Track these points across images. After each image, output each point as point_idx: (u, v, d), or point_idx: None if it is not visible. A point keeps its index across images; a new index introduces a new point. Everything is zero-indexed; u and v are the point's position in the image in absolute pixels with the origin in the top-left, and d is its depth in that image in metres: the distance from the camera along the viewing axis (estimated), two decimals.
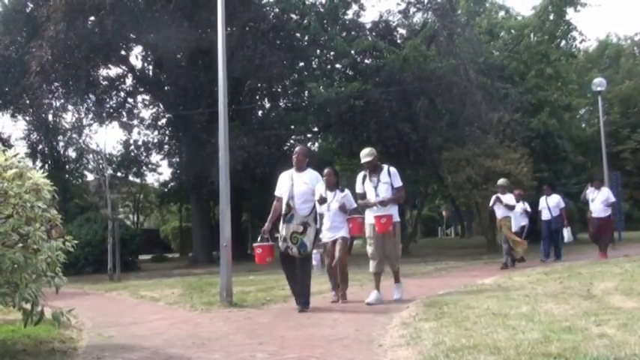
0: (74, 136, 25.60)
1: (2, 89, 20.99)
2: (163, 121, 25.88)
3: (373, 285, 7.34)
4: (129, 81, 24.58)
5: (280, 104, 23.75)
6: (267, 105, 24.42)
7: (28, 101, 21.52)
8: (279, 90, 23.53)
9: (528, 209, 14.13)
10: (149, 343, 5.16)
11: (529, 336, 4.27)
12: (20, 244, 4.45)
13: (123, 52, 22.87)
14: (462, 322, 5.10)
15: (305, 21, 20.71)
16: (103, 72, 23.58)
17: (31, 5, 20.50)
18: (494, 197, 12.53)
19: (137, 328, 6.23)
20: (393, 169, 7.37)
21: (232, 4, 17.41)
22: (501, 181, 12.84)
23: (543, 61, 24.02)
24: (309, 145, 26.80)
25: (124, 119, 25.01)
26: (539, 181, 20.22)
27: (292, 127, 22.15)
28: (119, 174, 28.46)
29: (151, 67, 24.11)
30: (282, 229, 6.82)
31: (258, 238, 7.17)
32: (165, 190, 31.21)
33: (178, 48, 20.35)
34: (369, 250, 7.33)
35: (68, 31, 18.00)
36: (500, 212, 12.35)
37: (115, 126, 25.29)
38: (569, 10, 22.52)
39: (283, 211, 6.86)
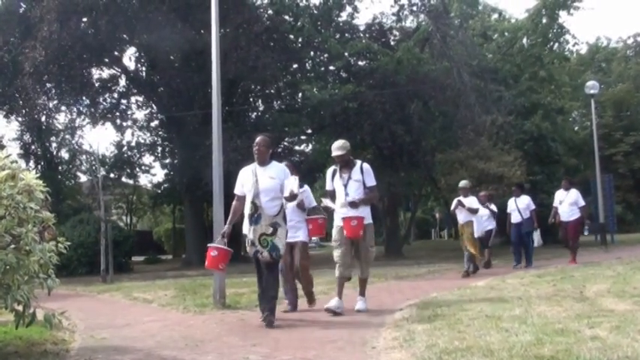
0: (67, 137, 25.57)
1: None
2: (157, 122, 25.82)
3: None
4: (122, 82, 24.52)
5: (274, 106, 23.72)
6: (261, 107, 24.40)
7: (21, 102, 21.40)
8: (272, 92, 23.51)
9: (495, 210, 13.04)
10: (142, 345, 5.15)
11: (522, 338, 4.28)
12: (12, 246, 4.43)
13: (116, 53, 22.79)
14: (455, 325, 5.11)
15: (299, 23, 20.72)
16: (97, 73, 23.52)
17: (25, 6, 20.41)
18: (455, 201, 11.52)
19: (130, 329, 6.21)
20: (366, 166, 6.68)
21: (226, 5, 17.39)
22: (463, 182, 11.82)
23: (536, 64, 24.14)
24: (302, 147, 26.83)
25: (117, 120, 24.92)
26: (532, 184, 20.28)
27: (286, 128, 22.11)
28: (112, 175, 28.34)
29: (144, 69, 24.03)
30: (250, 232, 5.95)
31: (216, 240, 6.43)
32: (159, 191, 31.18)
33: (172, 49, 20.30)
34: (335, 254, 6.66)
35: (61, 32, 17.93)
36: (462, 217, 11.31)
37: (108, 127, 25.27)
38: (562, 14, 22.65)
39: (249, 211, 6.00)
